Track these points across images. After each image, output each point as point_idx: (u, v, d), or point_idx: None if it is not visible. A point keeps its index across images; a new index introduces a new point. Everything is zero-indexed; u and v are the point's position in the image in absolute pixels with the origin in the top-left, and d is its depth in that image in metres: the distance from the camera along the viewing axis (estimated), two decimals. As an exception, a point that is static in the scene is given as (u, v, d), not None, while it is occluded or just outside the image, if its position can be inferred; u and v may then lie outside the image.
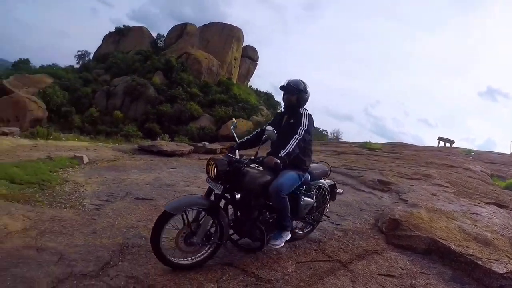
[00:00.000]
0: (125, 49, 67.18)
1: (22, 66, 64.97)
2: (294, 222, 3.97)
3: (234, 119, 4.78)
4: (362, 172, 8.47)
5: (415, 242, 4.27)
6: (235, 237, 3.74)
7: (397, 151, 13.00)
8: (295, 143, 3.52)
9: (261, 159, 3.55)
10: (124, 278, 3.03)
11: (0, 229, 3.77)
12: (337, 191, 4.60)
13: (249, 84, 74.75)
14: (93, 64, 65.98)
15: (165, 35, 74.33)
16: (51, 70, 58.97)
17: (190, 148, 11.61)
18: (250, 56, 73.50)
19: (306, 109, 3.87)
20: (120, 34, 71.66)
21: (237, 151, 3.81)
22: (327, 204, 4.52)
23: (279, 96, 67.48)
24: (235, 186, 3.47)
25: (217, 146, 12.75)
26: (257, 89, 74.87)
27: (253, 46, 75.02)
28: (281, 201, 3.48)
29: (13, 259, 3.14)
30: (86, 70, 62.23)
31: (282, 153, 3.44)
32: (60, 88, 48.72)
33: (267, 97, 72.62)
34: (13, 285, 2.78)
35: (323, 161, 4.79)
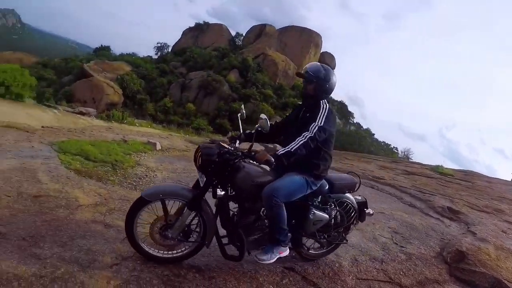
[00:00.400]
0: (203, 45, 68.47)
1: (102, 52, 67.57)
2: (305, 239, 3.55)
3: (243, 106, 3.77)
4: (432, 196, 8.11)
5: (478, 279, 3.99)
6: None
7: (469, 180, 12.19)
8: (301, 143, 2.96)
9: (254, 153, 3.01)
10: (185, 266, 3.08)
11: (71, 201, 4.04)
12: (367, 212, 3.85)
13: (323, 91, 72.46)
14: (170, 57, 67.59)
15: (244, 34, 74.91)
16: (130, 59, 61.00)
17: (261, 148, 10.69)
18: (327, 63, 70.39)
19: (327, 102, 3.25)
20: (199, 30, 73.27)
21: (237, 142, 3.37)
22: (353, 225, 3.83)
23: (352, 106, 65.19)
24: (225, 182, 3.05)
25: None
26: (331, 97, 71.37)
27: (331, 53, 73.47)
28: (272, 208, 3.00)
29: (80, 231, 3.34)
30: (163, 61, 63.74)
31: (281, 151, 2.93)
32: (137, 76, 50.09)
33: (341, 106, 70.24)
34: (77, 255, 2.92)
35: (352, 172, 4.02)
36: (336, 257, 3.90)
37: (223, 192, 2.99)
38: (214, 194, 2.97)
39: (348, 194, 3.66)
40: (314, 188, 3.24)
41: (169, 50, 74.85)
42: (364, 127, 57.18)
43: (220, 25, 75.31)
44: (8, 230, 3.20)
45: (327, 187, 3.42)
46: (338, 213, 3.57)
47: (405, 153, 30.16)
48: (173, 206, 3.07)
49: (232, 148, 3.09)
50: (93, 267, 2.86)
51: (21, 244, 3.00)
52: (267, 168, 3.07)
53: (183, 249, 3.14)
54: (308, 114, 3.20)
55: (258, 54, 60.69)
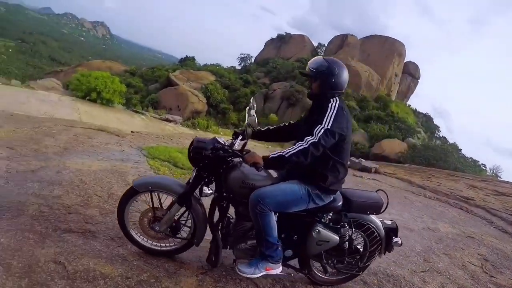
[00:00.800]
0: (285, 56, 68.68)
1: (188, 62, 69.92)
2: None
3: (252, 99, 3.37)
4: (526, 221, 7.52)
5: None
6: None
7: None
8: (299, 149, 2.56)
9: (245, 153, 2.70)
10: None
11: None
12: (395, 241, 3.13)
13: (408, 103, 70.29)
14: (253, 67, 68.44)
15: (326, 44, 74.13)
16: (214, 69, 62.59)
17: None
18: (411, 73, 69.48)
19: (337, 99, 2.76)
20: (281, 41, 73.65)
21: (239, 138, 3.02)
22: (377, 255, 3.18)
23: (438, 119, 61.69)
24: (219, 181, 2.83)
25: (373, 165, 11.85)
26: (416, 109, 68.85)
27: (415, 62, 70.80)
28: (257, 216, 2.65)
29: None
30: (246, 72, 64.66)
31: (273, 154, 2.60)
32: (221, 86, 51.17)
33: (426, 119, 66.85)
34: (164, 261, 3.05)
35: (381, 190, 3.24)
36: (423, 284, 3.71)
37: (210, 191, 2.84)
38: (200, 192, 2.85)
39: (372, 217, 3.14)
40: (320, 203, 2.86)
41: (252, 61, 75.92)
42: (450, 141, 53.51)
43: (302, 36, 75.06)
44: (98, 229, 3.37)
45: (340, 203, 2.98)
46: (357, 238, 3.15)
47: (494, 170, 28.35)
48: (167, 199, 3.04)
49: (228, 145, 2.88)
50: (179, 274, 2.95)
51: (109, 244, 3.15)
52: (266, 172, 2.87)
53: (171, 244, 3.13)
54: (315, 116, 2.78)
55: (340, 65, 59.22)
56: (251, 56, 77.68)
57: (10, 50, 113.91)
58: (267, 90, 53.97)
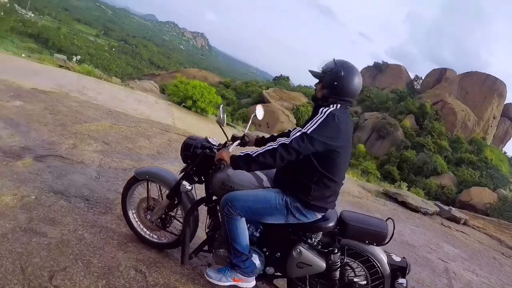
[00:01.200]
0: (380, 85, 67.85)
1: (282, 81, 71.37)
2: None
3: (258, 107, 3.27)
4: None
5: None
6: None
7: None
8: (267, 149, 2.27)
9: (215, 151, 2.66)
10: None
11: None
12: (399, 282, 2.51)
13: (504, 149, 65.75)
14: (346, 93, 68.03)
15: (423, 77, 72.18)
16: (307, 90, 62.47)
17: (435, 209, 10.40)
18: (510, 117, 65.13)
19: (335, 106, 2.35)
20: (377, 69, 73.01)
21: (237, 142, 2.86)
22: None
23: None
24: (207, 180, 2.75)
25: (462, 215, 10.94)
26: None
27: None
28: (224, 218, 2.46)
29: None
30: (338, 97, 64.30)
31: (241, 153, 2.36)
32: (312, 109, 50.74)
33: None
34: None
35: (391, 218, 2.71)
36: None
37: (189, 187, 2.74)
38: (178, 186, 2.76)
39: (375, 248, 2.59)
40: (303, 219, 2.48)
41: (346, 86, 75.74)
42: None
43: (399, 66, 73.91)
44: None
45: (332, 224, 2.55)
46: (354, 268, 2.65)
47: None
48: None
49: (217, 146, 2.79)
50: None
51: (192, 262, 3.00)
52: (265, 176, 2.67)
53: (162, 238, 3.09)
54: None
55: (436, 101, 57.49)
56: (346, 82, 77.20)
57: (114, 49, 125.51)
58: (358, 118, 53.46)
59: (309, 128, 2.25)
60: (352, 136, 2.55)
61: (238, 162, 2.36)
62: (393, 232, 2.60)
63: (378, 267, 2.57)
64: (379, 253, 2.57)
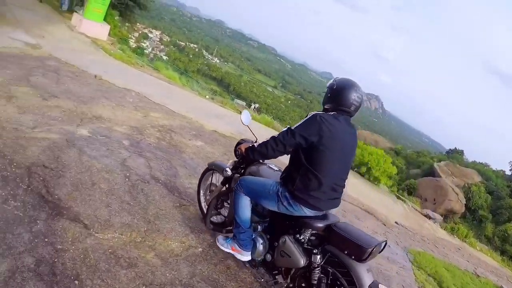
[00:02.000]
0: None
1: (455, 155, 66.54)
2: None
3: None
4: None
5: None
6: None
7: None
8: (263, 141, 2.82)
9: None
10: None
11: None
12: None
13: None
14: (521, 178, 60.23)
15: None
16: (481, 168, 57.95)
17: None
18: None
19: (324, 111, 2.73)
20: None
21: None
22: None
23: None
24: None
25: None
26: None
27: None
28: (233, 192, 3.02)
29: None
30: (515, 180, 57.17)
31: (257, 143, 2.96)
32: (485, 191, 46.85)
33: None
34: None
35: (386, 240, 2.55)
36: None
37: (230, 173, 3.28)
38: (225, 171, 3.30)
39: (359, 265, 2.42)
40: (289, 208, 2.66)
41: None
42: None
43: None
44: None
45: (321, 225, 2.61)
46: (331, 276, 2.57)
47: None
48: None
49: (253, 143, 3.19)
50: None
51: None
52: (274, 168, 3.21)
53: (215, 218, 3.51)
54: None
55: None
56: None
57: (289, 102, 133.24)
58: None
59: (295, 125, 2.65)
60: (349, 141, 2.73)
61: (247, 151, 2.95)
62: (379, 252, 2.50)
63: (357, 286, 2.39)
64: (362, 272, 2.41)
